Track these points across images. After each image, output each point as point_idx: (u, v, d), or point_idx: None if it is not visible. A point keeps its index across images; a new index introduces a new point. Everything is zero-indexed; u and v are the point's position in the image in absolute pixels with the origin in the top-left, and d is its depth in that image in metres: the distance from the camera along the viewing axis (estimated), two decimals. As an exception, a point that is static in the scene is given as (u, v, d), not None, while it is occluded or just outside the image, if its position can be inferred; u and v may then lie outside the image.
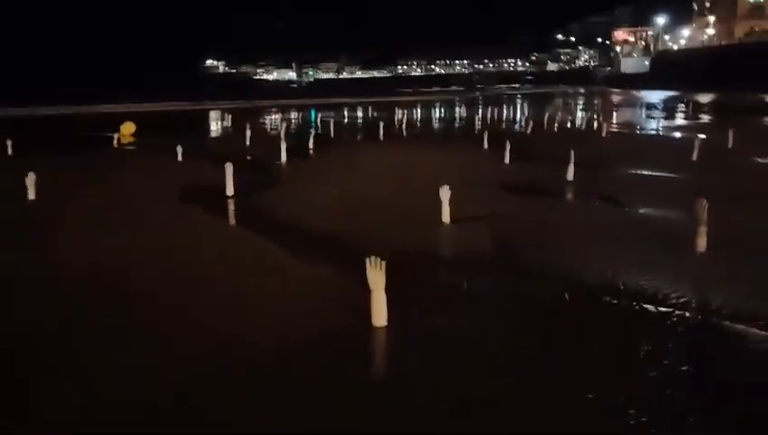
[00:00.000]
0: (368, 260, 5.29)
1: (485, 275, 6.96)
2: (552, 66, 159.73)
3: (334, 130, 28.96)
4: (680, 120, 34.91)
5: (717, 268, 7.01)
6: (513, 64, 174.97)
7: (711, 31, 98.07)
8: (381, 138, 24.23)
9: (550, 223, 9.47)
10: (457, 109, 53.27)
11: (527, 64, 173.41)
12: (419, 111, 49.94)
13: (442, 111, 51.23)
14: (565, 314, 5.86)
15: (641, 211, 10.25)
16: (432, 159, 17.72)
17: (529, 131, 26.09)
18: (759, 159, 16.59)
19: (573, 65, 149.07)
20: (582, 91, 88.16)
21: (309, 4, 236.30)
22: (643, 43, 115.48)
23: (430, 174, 13.11)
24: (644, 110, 45.51)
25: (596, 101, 63.63)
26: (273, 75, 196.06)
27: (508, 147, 16.81)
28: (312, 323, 5.52)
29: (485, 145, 19.71)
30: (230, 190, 12.19)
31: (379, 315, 5.37)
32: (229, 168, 12.29)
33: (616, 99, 66.16)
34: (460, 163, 16.79)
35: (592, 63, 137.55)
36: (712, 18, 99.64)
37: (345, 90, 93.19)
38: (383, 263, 5.26)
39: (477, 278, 6.84)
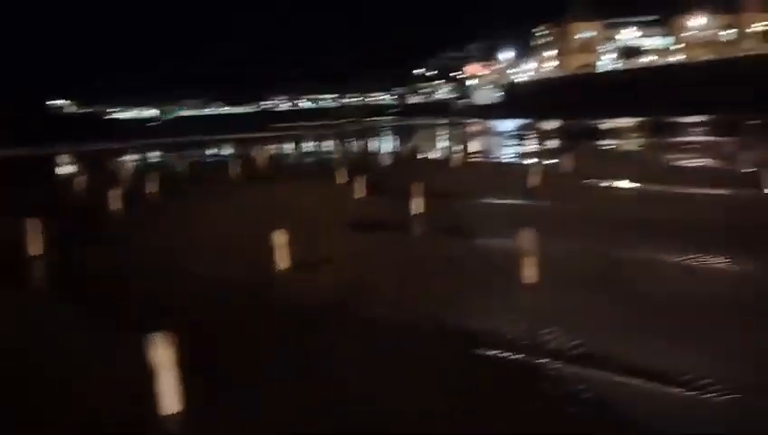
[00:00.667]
0: (151, 339, 4.51)
1: (307, 332, 6.51)
2: (414, 99, 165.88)
3: (189, 171, 27.59)
4: (530, 146, 37.13)
5: (543, 302, 7.08)
6: (378, 98, 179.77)
7: (551, 64, 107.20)
8: (235, 177, 23.37)
9: (390, 262, 9.29)
10: (317, 143, 53.26)
11: (391, 97, 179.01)
12: (281, 146, 49.34)
13: (304, 145, 50.94)
14: (405, 364, 5.54)
15: (479, 242, 10.39)
16: (286, 197, 17.24)
17: (388, 163, 26.41)
18: (595, 182, 17.78)
19: (433, 98, 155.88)
20: (441, 122, 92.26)
21: (178, 40, 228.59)
22: (493, 76, 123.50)
23: (279, 214, 12.60)
24: (496, 138, 48.21)
25: (454, 132, 66.63)
26: (131, 113, 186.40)
27: (362, 181, 16.75)
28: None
29: (342, 180, 19.56)
30: (35, 249, 10.82)
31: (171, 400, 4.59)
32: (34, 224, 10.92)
33: (472, 129, 69.78)
34: (314, 200, 16.46)
35: (450, 96, 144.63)
36: (551, 53, 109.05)
37: (208, 127, 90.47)
38: (172, 338, 4.54)
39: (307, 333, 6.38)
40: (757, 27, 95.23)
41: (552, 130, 53.42)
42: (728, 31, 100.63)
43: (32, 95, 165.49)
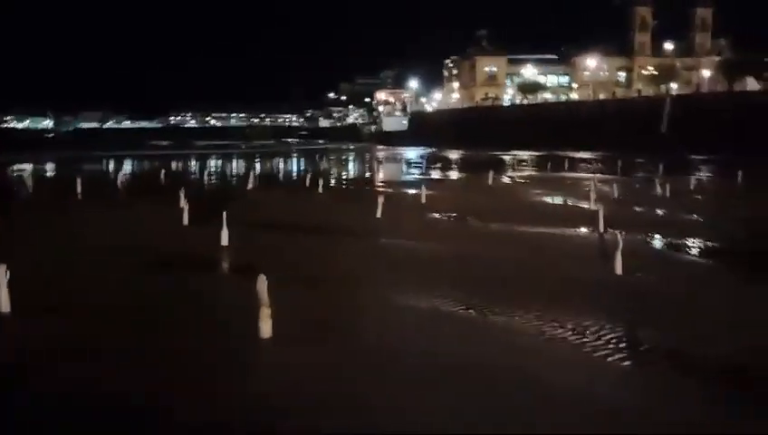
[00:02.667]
0: None
1: None
2: (324, 123, 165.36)
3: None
4: (417, 175, 36.54)
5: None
6: (288, 120, 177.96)
7: (456, 95, 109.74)
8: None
9: (119, 310, 7.74)
10: (217, 163, 50.88)
11: (302, 120, 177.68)
12: (139, 166, 46.64)
13: (176, 165, 48.17)
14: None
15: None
16: (106, 220, 15.41)
17: (249, 188, 24.84)
18: (438, 216, 17.04)
19: (344, 122, 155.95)
20: (347, 147, 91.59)
21: (75, 45, 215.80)
22: (400, 104, 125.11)
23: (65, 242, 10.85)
24: (398, 166, 47.65)
25: (359, 157, 65.93)
26: (24, 123, 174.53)
27: (186, 206, 15.21)
28: None
29: (182, 204, 17.81)
30: None
31: None
32: None
33: (377, 155, 69.39)
34: (134, 224, 14.81)
35: (360, 121, 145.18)
36: (456, 84, 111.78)
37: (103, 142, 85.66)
38: None
39: None
40: (647, 71, 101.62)
41: (453, 160, 53.82)
42: (621, 72, 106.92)
43: None
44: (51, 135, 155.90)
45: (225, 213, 12.03)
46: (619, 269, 9.90)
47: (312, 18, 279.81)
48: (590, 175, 30.17)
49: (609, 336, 6.86)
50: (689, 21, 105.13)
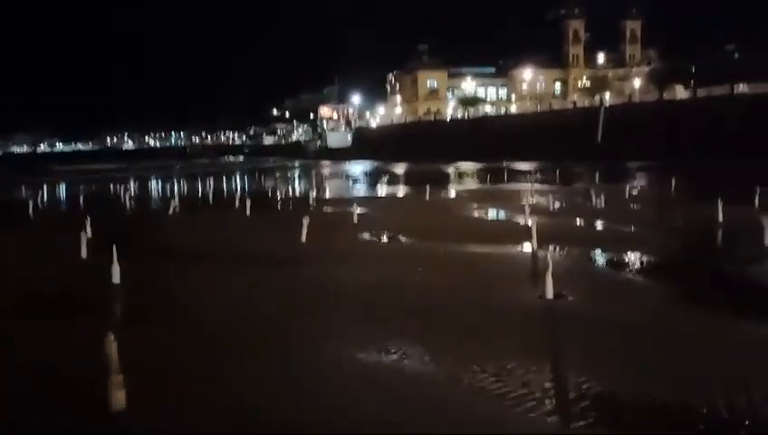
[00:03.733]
0: None
1: None
2: (268, 139, 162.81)
3: None
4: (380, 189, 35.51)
5: None
6: (230, 138, 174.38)
7: (399, 109, 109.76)
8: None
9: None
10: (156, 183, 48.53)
11: (244, 137, 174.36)
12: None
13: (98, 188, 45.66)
14: None
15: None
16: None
17: (170, 212, 23.24)
18: (369, 236, 16.04)
19: (289, 139, 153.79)
20: (292, 164, 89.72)
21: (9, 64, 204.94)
22: (344, 119, 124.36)
23: None
24: (339, 182, 46.52)
25: (303, 174, 64.46)
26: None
27: (85, 237, 13.72)
28: None
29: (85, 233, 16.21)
30: None
31: None
32: None
33: (322, 171, 68.05)
34: (19, 257, 13.25)
35: (305, 138, 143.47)
36: (398, 98, 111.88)
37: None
38: None
39: None
40: (581, 82, 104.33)
41: (404, 174, 52.98)
42: (557, 84, 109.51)
43: None
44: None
45: (114, 245, 10.62)
46: (549, 293, 9.10)
47: (252, 32, 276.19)
48: (528, 186, 29.83)
49: (536, 382, 5.95)
50: (620, 33, 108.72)
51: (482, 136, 79.18)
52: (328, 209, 24.21)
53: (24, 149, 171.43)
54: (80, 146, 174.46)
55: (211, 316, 8.63)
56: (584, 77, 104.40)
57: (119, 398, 5.26)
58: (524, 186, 30.77)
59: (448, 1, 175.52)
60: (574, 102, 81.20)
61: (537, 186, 30.79)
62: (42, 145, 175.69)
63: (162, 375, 6.06)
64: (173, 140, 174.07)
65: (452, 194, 30.73)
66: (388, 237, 16.21)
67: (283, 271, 11.87)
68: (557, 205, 21.81)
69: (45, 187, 44.49)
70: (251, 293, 10.12)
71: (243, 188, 38.66)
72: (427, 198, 26.42)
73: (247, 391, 5.87)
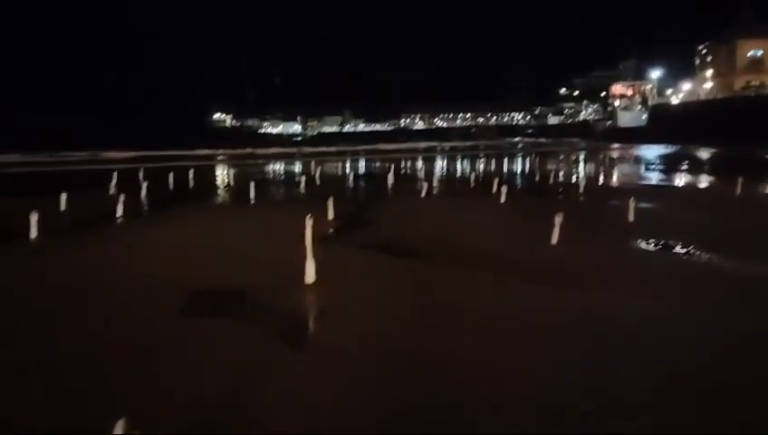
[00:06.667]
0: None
1: None
2: (553, 119, 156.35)
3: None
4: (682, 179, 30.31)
5: None
6: (514, 118, 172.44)
7: (709, 84, 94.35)
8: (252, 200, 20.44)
9: None
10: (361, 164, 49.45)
11: (528, 117, 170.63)
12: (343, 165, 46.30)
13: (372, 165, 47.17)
14: None
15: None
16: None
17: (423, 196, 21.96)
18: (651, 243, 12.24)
19: (576, 119, 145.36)
20: (573, 146, 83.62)
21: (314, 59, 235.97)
22: (640, 97, 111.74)
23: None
24: (636, 168, 41.10)
25: (591, 157, 59.32)
26: (278, 128, 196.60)
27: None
28: None
29: (330, 210, 15.82)
30: None
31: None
32: None
33: (613, 154, 61.69)
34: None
35: (594, 117, 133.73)
36: (710, 72, 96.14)
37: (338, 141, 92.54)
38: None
39: None
40: None
41: (711, 159, 44.70)
42: None
43: (194, 108, 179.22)
44: (299, 138, 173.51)
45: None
46: None
47: (544, 9, 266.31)
48: None
49: None
50: None
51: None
52: (599, 202, 20.31)
53: (334, 128, 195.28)
54: (377, 126, 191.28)
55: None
56: None
57: None
58: None
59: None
60: None
61: None
62: (347, 126, 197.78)
63: None
64: (459, 122, 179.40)
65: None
66: (664, 246, 12.10)
67: (530, 289, 9.08)
68: None
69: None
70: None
71: (506, 172, 36.04)
72: (738, 191, 20.61)
73: None
